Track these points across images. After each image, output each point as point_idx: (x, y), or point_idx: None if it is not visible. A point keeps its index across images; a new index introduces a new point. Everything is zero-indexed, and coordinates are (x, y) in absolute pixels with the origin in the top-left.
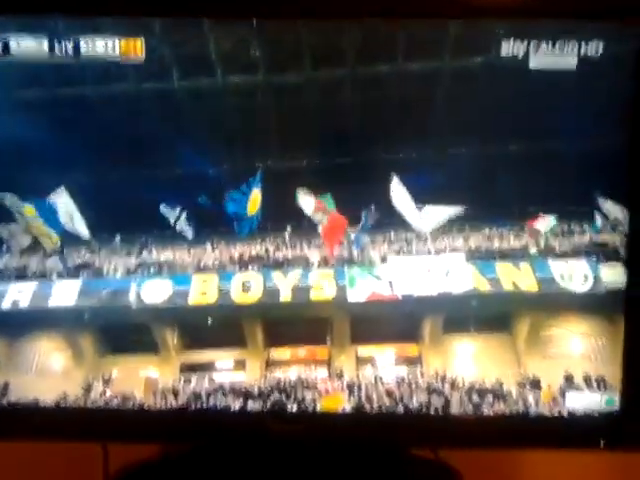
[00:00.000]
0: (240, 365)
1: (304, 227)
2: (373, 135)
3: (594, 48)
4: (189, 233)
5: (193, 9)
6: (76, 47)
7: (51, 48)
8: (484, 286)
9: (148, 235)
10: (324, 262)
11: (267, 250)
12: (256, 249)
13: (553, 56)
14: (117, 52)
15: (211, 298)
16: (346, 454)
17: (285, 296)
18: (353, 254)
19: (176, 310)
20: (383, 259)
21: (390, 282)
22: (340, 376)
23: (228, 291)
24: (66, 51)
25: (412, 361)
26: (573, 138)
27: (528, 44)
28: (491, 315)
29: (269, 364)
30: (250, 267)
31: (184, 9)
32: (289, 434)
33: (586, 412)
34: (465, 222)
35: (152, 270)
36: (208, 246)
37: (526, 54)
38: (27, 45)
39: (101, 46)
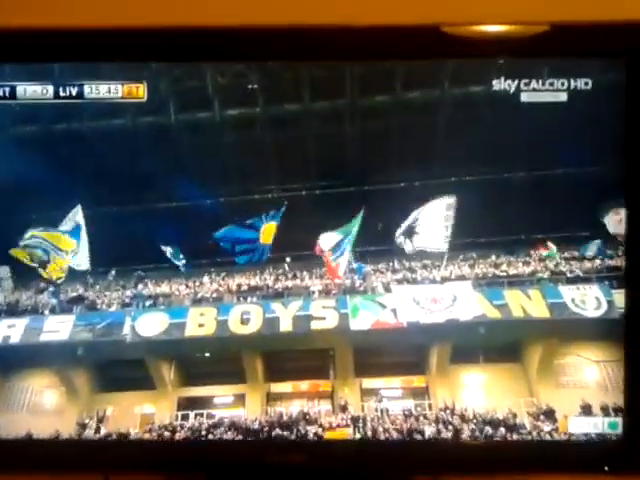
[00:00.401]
0: (239, 400)
1: (304, 257)
2: (376, 164)
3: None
4: (186, 265)
5: (193, 54)
6: (80, 92)
7: (56, 93)
8: (492, 313)
9: (144, 268)
10: (325, 291)
11: (266, 280)
12: (256, 280)
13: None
14: (119, 95)
15: (208, 330)
16: None
17: (285, 326)
18: (355, 283)
19: (172, 343)
20: (387, 288)
21: (394, 310)
22: (344, 409)
23: (226, 322)
24: (70, 95)
25: (419, 393)
26: (573, 165)
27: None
28: (500, 343)
29: (270, 398)
30: (249, 298)
31: (184, 55)
32: (291, 464)
33: (589, 437)
34: (471, 249)
35: (148, 303)
36: (206, 278)
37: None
38: (33, 90)
39: (104, 90)
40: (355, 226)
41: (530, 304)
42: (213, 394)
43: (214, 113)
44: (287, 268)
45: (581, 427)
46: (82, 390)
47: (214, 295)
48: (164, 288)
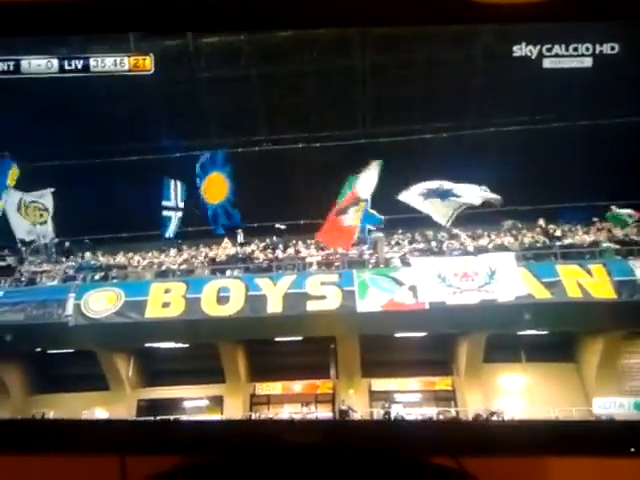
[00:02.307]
0: (216, 404)
1: (299, 221)
2: (392, 109)
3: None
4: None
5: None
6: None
7: (61, 67)
8: (541, 293)
9: (95, 238)
10: (325, 264)
11: (251, 251)
12: (237, 249)
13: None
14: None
15: (175, 310)
16: (366, 463)
17: (274, 307)
18: (363, 253)
19: (128, 327)
20: (404, 260)
21: (413, 288)
22: (347, 417)
23: (198, 302)
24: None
25: (444, 398)
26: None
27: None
28: (550, 334)
29: (254, 402)
30: (228, 272)
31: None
32: (307, 444)
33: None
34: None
35: (97, 276)
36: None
37: None
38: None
39: (110, 63)
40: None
41: (590, 282)
42: (182, 396)
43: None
44: (275, 239)
45: (606, 408)
46: (13, 390)
47: (183, 267)
48: (119, 259)
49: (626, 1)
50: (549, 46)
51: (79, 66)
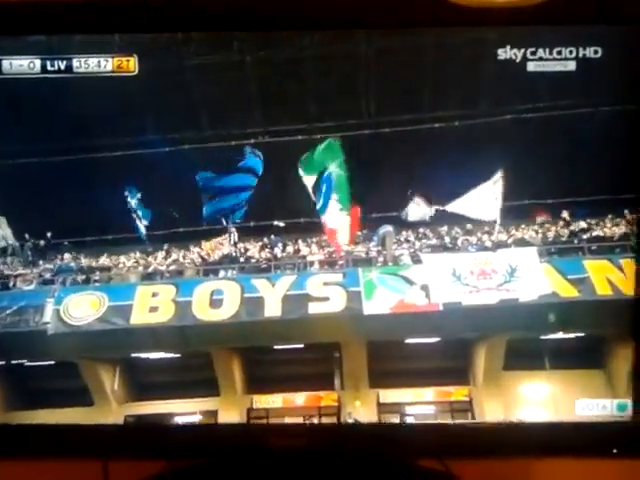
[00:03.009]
0: (210, 418)
1: (299, 219)
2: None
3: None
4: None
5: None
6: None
7: (43, 67)
8: (567, 291)
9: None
10: (329, 262)
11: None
12: (231, 248)
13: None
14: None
15: (164, 315)
16: (352, 467)
17: (272, 310)
18: (370, 251)
19: (113, 335)
20: (415, 257)
21: (425, 287)
22: None
23: (189, 305)
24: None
25: (460, 410)
26: None
27: None
28: (576, 337)
29: (252, 416)
30: (221, 272)
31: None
32: (292, 448)
33: (598, 419)
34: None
35: (78, 279)
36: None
37: None
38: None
39: (94, 64)
40: None
41: (621, 279)
42: (173, 411)
43: None
44: (273, 237)
45: (589, 409)
46: None
47: (172, 268)
48: (102, 260)
49: (608, 6)
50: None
51: (62, 67)
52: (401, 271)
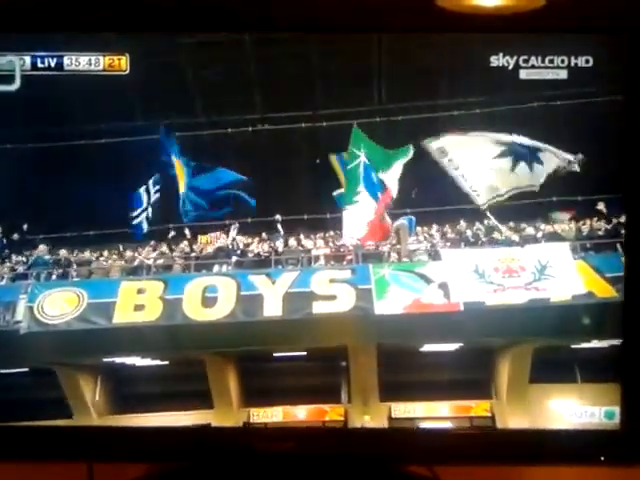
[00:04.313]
0: None
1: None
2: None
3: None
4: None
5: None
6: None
7: (33, 65)
8: (604, 291)
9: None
10: (335, 257)
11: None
12: (227, 241)
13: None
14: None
15: (151, 314)
16: (339, 471)
17: (272, 309)
18: (382, 245)
19: (93, 335)
20: (433, 252)
21: (444, 285)
22: None
23: (178, 303)
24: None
25: (480, 426)
26: None
27: None
28: (613, 346)
29: None
30: (216, 267)
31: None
32: (280, 452)
33: (585, 426)
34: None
35: (54, 274)
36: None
37: None
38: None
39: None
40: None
41: None
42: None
43: None
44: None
45: (577, 416)
46: None
47: (159, 262)
48: (83, 254)
49: (601, 15)
50: None
51: (52, 64)
52: (417, 268)
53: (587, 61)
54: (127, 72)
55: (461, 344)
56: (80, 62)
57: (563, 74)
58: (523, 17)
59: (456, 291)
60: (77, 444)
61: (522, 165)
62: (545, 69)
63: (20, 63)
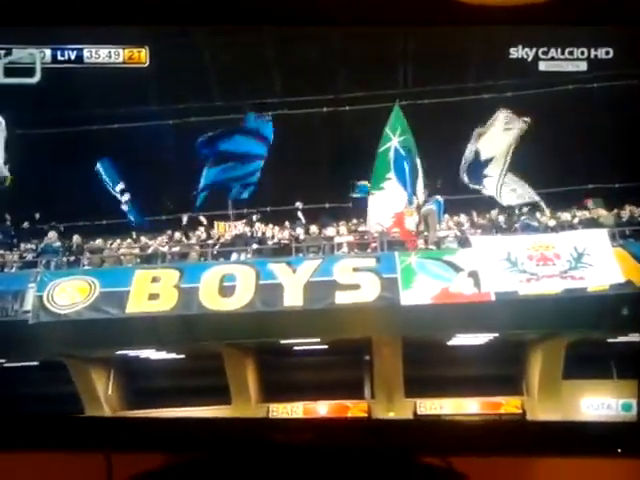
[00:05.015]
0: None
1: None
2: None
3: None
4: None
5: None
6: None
7: (54, 57)
8: None
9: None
10: (359, 245)
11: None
12: (246, 228)
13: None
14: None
15: (166, 304)
16: (355, 462)
17: (292, 299)
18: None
19: (106, 326)
20: (462, 239)
21: (474, 274)
22: None
23: (195, 292)
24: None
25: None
26: None
27: None
28: None
29: None
30: (234, 255)
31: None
32: (297, 443)
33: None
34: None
35: (65, 262)
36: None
37: None
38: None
39: (104, 55)
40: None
41: None
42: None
43: None
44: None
45: (594, 408)
46: None
47: (175, 250)
48: (95, 242)
49: (620, 6)
50: None
51: (72, 57)
52: (446, 255)
53: (607, 52)
54: (146, 64)
55: (491, 337)
56: (100, 55)
57: (583, 66)
58: (543, 9)
59: (487, 280)
60: (96, 434)
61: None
62: (565, 61)
63: (40, 56)
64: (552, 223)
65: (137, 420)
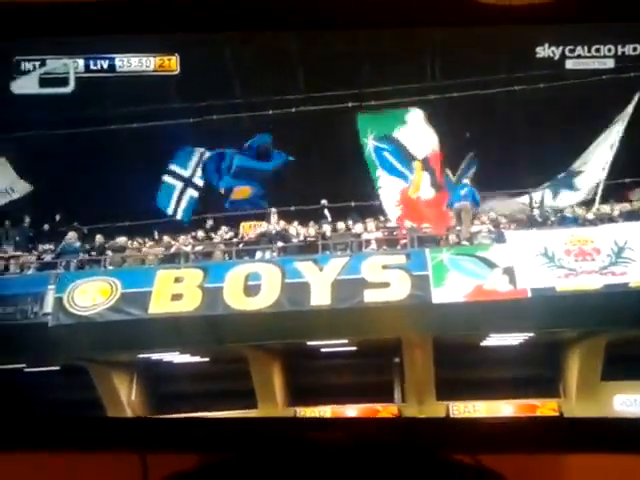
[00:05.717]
0: None
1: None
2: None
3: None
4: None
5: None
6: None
7: (87, 67)
8: None
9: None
10: (388, 241)
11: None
12: (270, 227)
13: None
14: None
15: (189, 304)
16: (386, 460)
17: (320, 298)
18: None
19: (128, 328)
20: (497, 234)
21: (510, 270)
22: None
23: (219, 292)
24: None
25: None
26: None
27: None
28: None
29: None
30: (259, 253)
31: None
32: (328, 442)
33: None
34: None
35: (85, 262)
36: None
37: None
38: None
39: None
40: None
41: None
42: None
43: None
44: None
45: (628, 405)
46: None
47: (198, 248)
48: (117, 240)
49: None
50: None
51: (105, 66)
52: (479, 251)
53: (635, 49)
54: (177, 72)
55: (527, 336)
56: (131, 63)
57: (610, 63)
58: (570, 7)
59: (523, 276)
60: (131, 435)
61: None
62: (592, 58)
63: (74, 66)
64: (590, 216)
65: (173, 421)
